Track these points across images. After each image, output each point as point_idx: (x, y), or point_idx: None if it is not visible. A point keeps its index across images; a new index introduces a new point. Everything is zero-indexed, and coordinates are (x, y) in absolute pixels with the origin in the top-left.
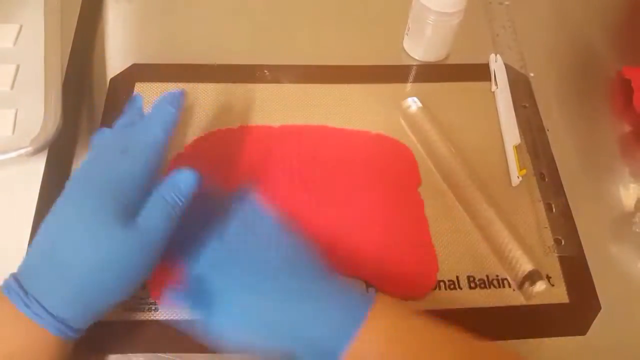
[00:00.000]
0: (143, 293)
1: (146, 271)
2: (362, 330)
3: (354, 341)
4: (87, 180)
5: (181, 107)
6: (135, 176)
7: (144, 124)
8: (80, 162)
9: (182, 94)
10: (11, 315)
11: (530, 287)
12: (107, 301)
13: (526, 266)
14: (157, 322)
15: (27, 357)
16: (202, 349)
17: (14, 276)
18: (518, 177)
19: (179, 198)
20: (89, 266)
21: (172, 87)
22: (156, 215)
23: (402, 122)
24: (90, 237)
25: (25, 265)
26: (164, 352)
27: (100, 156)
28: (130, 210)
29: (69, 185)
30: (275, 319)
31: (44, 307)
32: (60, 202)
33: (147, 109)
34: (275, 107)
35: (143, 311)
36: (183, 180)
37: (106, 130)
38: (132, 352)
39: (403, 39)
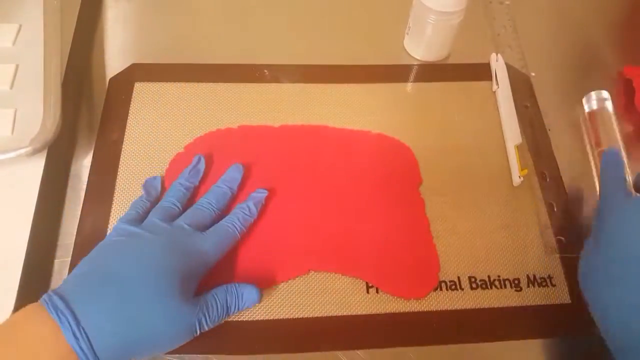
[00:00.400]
0: None
1: (186, 334)
2: None
3: None
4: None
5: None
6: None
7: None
8: (80, 162)
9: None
10: (51, 338)
11: None
12: (145, 343)
13: None
14: None
15: None
16: (202, 349)
17: (62, 296)
18: (519, 177)
19: (235, 307)
20: (148, 331)
21: (172, 87)
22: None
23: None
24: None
25: (76, 288)
26: (164, 352)
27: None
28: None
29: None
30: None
31: (91, 345)
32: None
33: (146, 109)
34: (275, 107)
35: None
36: (246, 297)
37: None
38: None
39: (404, 38)
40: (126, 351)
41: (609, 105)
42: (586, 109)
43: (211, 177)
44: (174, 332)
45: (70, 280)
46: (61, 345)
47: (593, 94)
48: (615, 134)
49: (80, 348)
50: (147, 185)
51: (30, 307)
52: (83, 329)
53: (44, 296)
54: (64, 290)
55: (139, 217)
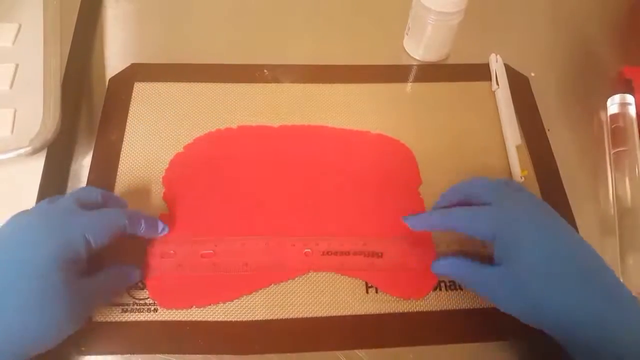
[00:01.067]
0: (142, 294)
1: (75, 318)
2: None
3: None
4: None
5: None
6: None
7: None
8: (79, 162)
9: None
10: None
11: None
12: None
13: None
14: (157, 322)
15: None
16: (201, 349)
17: None
18: (521, 177)
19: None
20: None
21: (172, 87)
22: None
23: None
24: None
25: None
26: (163, 352)
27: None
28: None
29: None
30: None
31: None
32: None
33: (146, 109)
34: (275, 107)
35: (142, 312)
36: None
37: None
38: (131, 352)
39: (403, 38)
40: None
41: (631, 109)
42: (609, 110)
43: (211, 177)
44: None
45: None
46: None
47: (617, 97)
48: (634, 137)
49: None
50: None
51: None
52: None
53: None
54: None
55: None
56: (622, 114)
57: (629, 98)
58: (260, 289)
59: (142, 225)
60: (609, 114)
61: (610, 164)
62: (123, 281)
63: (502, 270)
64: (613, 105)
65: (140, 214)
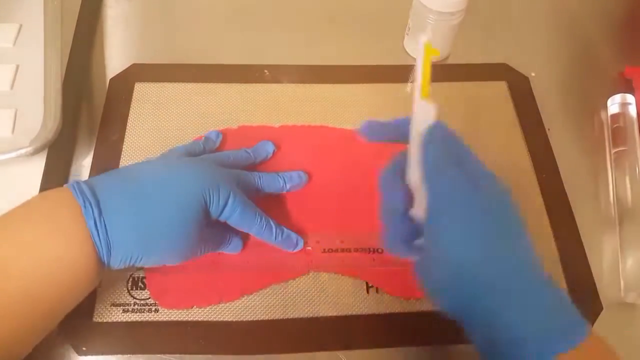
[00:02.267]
0: (143, 294)
1: (193, 239)
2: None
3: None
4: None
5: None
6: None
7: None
8: (80, 163)
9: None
10: (71, 221)
11: None
12: (154, 245)
13: None
14: (157, 322)
15: (64, 264)
16: (202, 349)
17: (90, 184)
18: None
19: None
20: (169, 211)
21: (172, 87)
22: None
23: None
24: (185, 193)
25: (104, 183)
26: (164, 352)
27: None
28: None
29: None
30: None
31: (108, 238)
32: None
33: (147, 109)
34: (275, 107)
35: (143, 312)
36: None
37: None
38: (132, 353)
39: (403, 38)
40: (138, 253)
41: (632, 109)
42: (610, 110)
43: None
44: (185, 243)
45: (100, 177)
46: (80, 230)
47: (618, 97)
48: (635, 137)
49: (99, 238)
50: (207, 136)
51: (55, 189)
52: (104, 220)
53: (72, 182)
54: (93, 181)
55: (188, 154)
56: (622, 114)
57: (630, 98)
58: (261, 289)
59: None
60: (609, 113)
61: (611, 164)
62: (224, 246)
63: (426, 251)
64: (613, 105)
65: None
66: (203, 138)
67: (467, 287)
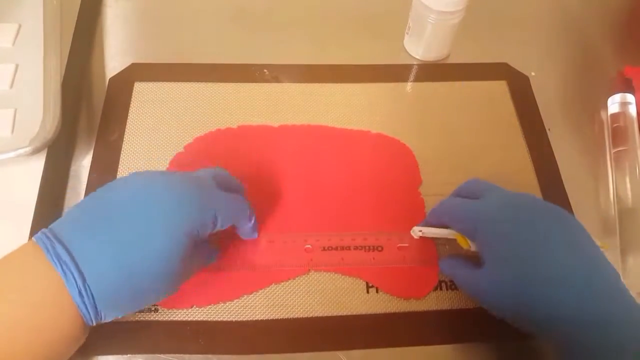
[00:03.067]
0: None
1: (176, 285)
2: None
3: None
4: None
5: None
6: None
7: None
8: (79, 162)
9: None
10: (52, 291)
11: None
12: (142, 295)
13: None
14: (157, 322)
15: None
16: (202, 349)
17: (62, 243)
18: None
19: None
20: (147, 255)
21: (172, 87)
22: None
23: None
24: (165, 229)
25: (79, 237)
26: (164, 352)
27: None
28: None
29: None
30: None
31: (94, 301)
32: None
33: (146, 109)
34: (275, 107)
35: (143, 312)
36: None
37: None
38: (132, 353)
39: (403, 38)
40: (128, 308)
41: (632, 109)
42: (610, 110)
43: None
44: (178, 281)
45: (70, 226)
46: (64, 299)
47: (618, 96)
48: (635, 137)
49: (84, 305)
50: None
51: (27, 251)
52: (89, 288)
53: (42, 238)
54: (65, 236)
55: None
56: (622, 114)
57: (630, 97)
58: (261, 289)
59: (251, 222)
60: (609, 113)
61: (611, 164)
62: (206, 261)
63: (487, 270)
64: (613, 104)
65: (252, 211)
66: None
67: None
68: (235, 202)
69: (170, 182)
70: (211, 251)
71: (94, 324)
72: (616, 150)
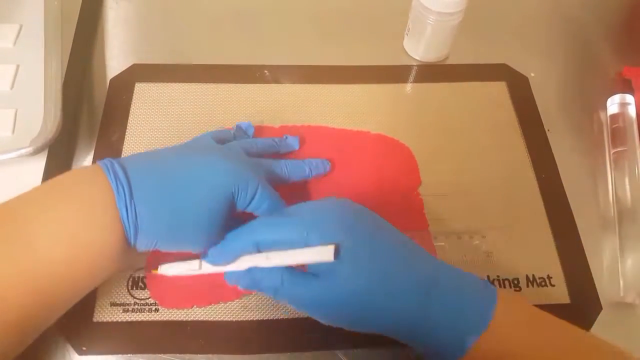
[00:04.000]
0: (143, 294)
1: (217, 230)
2: (489, 327)
3: (481, 337)
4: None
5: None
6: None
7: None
8: (80, 163)
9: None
10: (101, 201)
11: None
12: (178, 232)
13: None
14: (157, 322)
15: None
16: (202, 349)
17: (122, 165)
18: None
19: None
20: (197, 202)
21: (173, 88)
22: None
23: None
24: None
25: (137, 165)
26: (164, 352)
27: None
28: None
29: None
30: (401, 305)
31: (137, 220)
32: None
33: (147, 110)
34: (275, 107)
35: (143, 312)
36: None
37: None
38: (132, 352)
39: (403, 39)
40: (164, 239)
41: (631, 109)
42: (609, 110)
43: None
44: (210, 233)
45: (133, 158)
46: (111, 212)
47: (617, 97)
48: (634, 137)
49: (128, 222)
50: (238, 125)
51: (88, 167)
52: (134, 205)
53: (105, 160)
54: (125, 162)
55: (217, 140)
56: (621, 114)
57: (629, 98)
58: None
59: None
60: (608, 114)
61: (610, 164)
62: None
63: (321, 283)
64: (613, 105)
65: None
66: (234, 127)
67: (365, 312)
68: (275, 166)
69: (224, 156)
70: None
71: (132, 245)
72: (615, 150)
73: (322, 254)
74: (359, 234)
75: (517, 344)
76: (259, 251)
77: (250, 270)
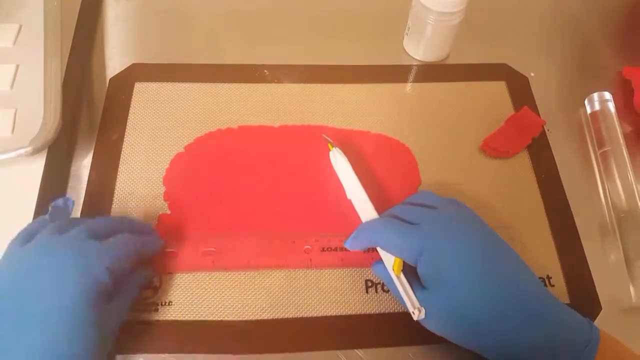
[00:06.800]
0: (146, 293)
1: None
2: None
3: None
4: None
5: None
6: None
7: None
8: (80, 162)
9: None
10: None
11: None
12: None
13: None
14: (158, 322)
15: None
16: (203, 349)
17: None
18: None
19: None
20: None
21: (172, 87)
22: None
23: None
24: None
25: None
26: (164, 352)
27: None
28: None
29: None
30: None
31: None
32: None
33: (146, 109)
34: (275, 107)
35: (143, 312)
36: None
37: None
38: (132, 352)
39: (403, 39)
40: None
41: (611, 106)
42: (588, 109)
43: (212, 177)
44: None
45: None
46: None
47: (595, 95)
48: (617, 135)
49: None
50: (55, 205)
51: None
52: None
53: None
54: None
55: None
56: (602, 113)
57: (607, 95)
58: (261, 288)
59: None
60: (588, 112)
61: (597, 165)
62: (139, 287)
63: (432, 293)
64: (593, 103)
65: (145, 236)
66: (49, 209)
67: (473, 326)
68: (120, 244)
69: (44, 255)
70: (144, 274)
71: None
72: (602, 151)
73: (413, 305)
74: (476, 246)
75: None
76: None
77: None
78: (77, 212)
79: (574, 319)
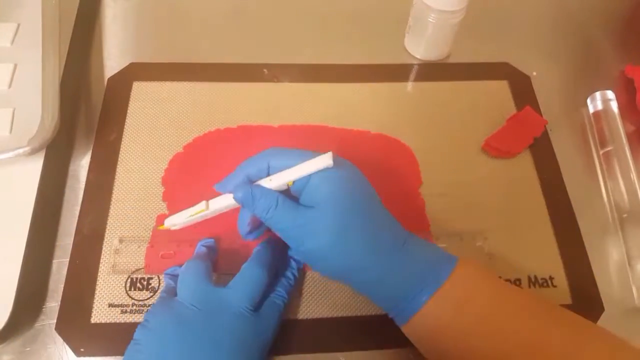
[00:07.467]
0: (141, 295)
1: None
2: (443, 287)
3: (433, 296)
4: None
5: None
6: None
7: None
8: (78, 162)
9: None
10: None
11: None
12: None
13: None
14: None
15: None
16: None
17: None
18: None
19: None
20: None
21: (171, 87)
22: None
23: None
24: None
25: None
26: None
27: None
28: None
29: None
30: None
31: None
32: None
33: (145, 109)
34: (275, 106)
35: (141, 313)
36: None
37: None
38: None
39: (404, 37)
40: None
41: (613, 105)
42: (591, 109)
43: (210, 177)
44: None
45: None
46: None
47: (598, 94)
48: (620, 134)
49: None
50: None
51: None
52: None
53: None
54: None
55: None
56: (604, 112)
57: (610, 94)
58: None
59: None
60: (591, 112)
61: (599, 164)
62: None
63: (309, 211)
64: (595, 102)
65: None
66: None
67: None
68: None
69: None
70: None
71: None
72: (604, 151)
73: (322, 161)
74: (349, 181)
75: (475, 295)
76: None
77: (252, 186)
78: (74, 212)
79: (435, 249)
